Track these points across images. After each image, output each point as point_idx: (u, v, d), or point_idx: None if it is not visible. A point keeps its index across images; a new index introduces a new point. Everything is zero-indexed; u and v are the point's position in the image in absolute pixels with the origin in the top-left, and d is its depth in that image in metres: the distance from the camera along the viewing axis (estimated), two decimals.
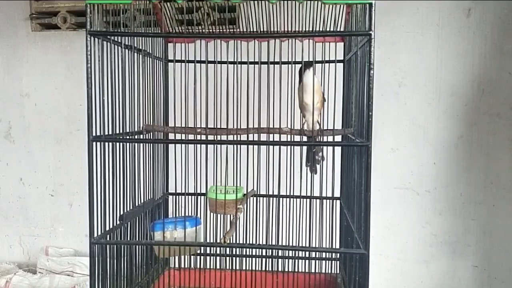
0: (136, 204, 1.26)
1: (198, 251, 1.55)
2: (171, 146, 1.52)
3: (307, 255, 1.53)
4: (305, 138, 1.28)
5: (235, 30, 1.87)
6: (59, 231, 2.25)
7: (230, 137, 1.19)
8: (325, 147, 1.38)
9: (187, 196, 1.38)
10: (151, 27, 1.38)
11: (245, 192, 1.36)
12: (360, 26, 1.10)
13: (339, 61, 1.40)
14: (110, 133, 1.14)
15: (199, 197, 1.27)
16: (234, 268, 1.54)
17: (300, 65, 1.28)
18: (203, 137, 1.16)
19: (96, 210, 1.11)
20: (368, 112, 1.03)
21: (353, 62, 1.28)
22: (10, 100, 2.22)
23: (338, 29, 1.40)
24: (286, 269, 1.54)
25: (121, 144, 1.17)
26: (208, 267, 1.57)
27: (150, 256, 1.43)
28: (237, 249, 1.55)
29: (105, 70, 1.11)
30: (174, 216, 1.48)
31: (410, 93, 1.97)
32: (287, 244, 1.32)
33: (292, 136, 1.24)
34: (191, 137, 1.20)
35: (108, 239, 1.16)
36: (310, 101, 1.24)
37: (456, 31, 1.93)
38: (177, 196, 1.53)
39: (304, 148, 1.36)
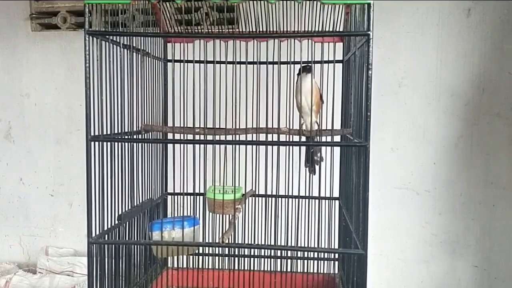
0: (135, 204, 1.26)
1: (196, 251, 1.55)
2: (169, 146, 1.52)
3: (305, 255, 1.53)
4: (304, 138, 1.28)
5: (234, 30, 1.87)
6: (59, 231, 2.25)
7: (229, 137, 1.19)
8: (324, 147, 1.38)
9: (185, 196, 1.38)
10: (150, 27, 1.38)
11: (244, 192, 1.36)
12: (359, 26, 1.10)
13: (338, 61, 1.40)
14: (109, 133, 1.14)
15: (197, 197, 1.27)
16: (232, 268, 1.54)
17: (299, 66, 1.28)
18: (202, 137, 1.16)
19: (94, 210, 1.11)
20: (366, 113, 1.03)
21: (352, 62, 1.27)
22: (10, 100, 2.22)
23: (337, 29, 1.40)
24: (285, 269, 1.54)
25: (119, 144, 1.17)
26: (206, 267, 1.57)
27: (149, 256, 1.43)
28: (236, 249, 1.55)
29: (103, 70, 1.11)
30: (172, 216, 1.48)
31: (410, 93, 1.97)
32: (285, 244, 1.32)
33: (291, 136, 1.24)
34: (189, 137, 1.20)
35: (106, 239, 1.16)
36: (307, 104, 1.24)
37: (456, 31, 1.92)
38: (176, 196, 1.52)
39: (303, 148, 1.35)
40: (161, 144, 1.51)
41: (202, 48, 1.13)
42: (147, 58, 1.35)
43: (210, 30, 1.84)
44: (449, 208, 1.98)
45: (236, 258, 1.54)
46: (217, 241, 1.36)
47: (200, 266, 1.57)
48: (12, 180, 2.26)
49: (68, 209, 2.23)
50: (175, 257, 1.55)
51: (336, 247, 1.48)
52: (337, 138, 1.33)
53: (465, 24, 1.92)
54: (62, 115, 2.20)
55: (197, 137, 1.18)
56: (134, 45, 1.23)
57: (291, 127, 1.24)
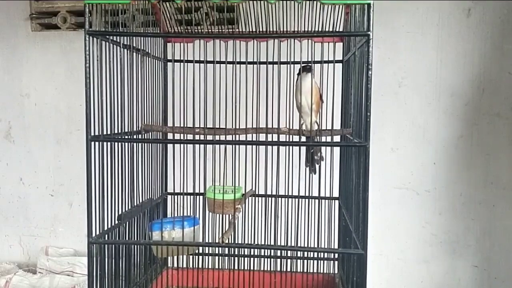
0: (135, 204, 1.26)
1: (196, 251, 1.55)
2: (169, 146, 1.52)
3: (305, 255, 1.53)
4: (303, 138, 1.28)
5: (234, 30, 1.87)
6: (59, 231, 2.25)
7: (229, 137, 1.19)
8: (323, 147, 1.38)
9: (185, 196, 1.38)
10: (150, 27, 1.38)
11: (244, 192, 1.36)
12: (358, 27, 1.10)
13: (338, 61, 1.41)
14: (109, 133, 1.14)
15: (197, 197, 1.27)
16: (232, 268, 1.54)
17: (299, 66, 1.28)
18: (202, 137, 1.16)
19: (94, 209, 1.11)
20: (366, 113, 1.03)
21: (352, 62, 1.27)
22: (10, 100, 2.22)
23: (337, 29, 1.40)
24: (284, 269, 1.54)
25: (119, 144, 1.17)
26: (206, 267, 1.57)
27: (149, 256, 1.43)
28: (235, 249, 1.55)
29: (104, 70, 1.11)
30: (172, 216, 1.48)
31: (410, 93, 1.97)
32: (285, 244, 1.32)
33: (291, 136, 1.24)
34: (189, 137, 1.20)
35: (106, 238, 1.16)
36: (307, 103, 1.24)
37: (456, 31, 1.93)
38: (176, 196, 1.53)
39: (303, 148, 1.36)
40: (161, 144, 1.51)
41: (202, 48, 1.13)
42: (147, 58, 1.35)
43: (210, 30, 1.84)
44: (449, 208, 1.98)
45: (236, 258, 1.54)
46: (217, 241, 1.36)
47: (200, 266, 1.57)
48: (12, 180, 2.26)
49: (68, 209, 2.24)
50: (175, 257, 1.55)
51: (336, 247, 1.48)
52: (337, 138, 1.33)
53: (465, 24, 1.92)
54: (62, 115, 2.20)
55: (197, 137, 1.18)
56: (134, 45, 1.23)
57: (291, 127, 1.24)
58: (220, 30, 1.68)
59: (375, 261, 2.01)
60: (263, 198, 1.46)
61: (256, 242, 1.47)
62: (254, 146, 1.17)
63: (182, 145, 1.17)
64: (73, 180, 2.21)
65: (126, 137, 1.21)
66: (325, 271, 1.55)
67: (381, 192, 1.99)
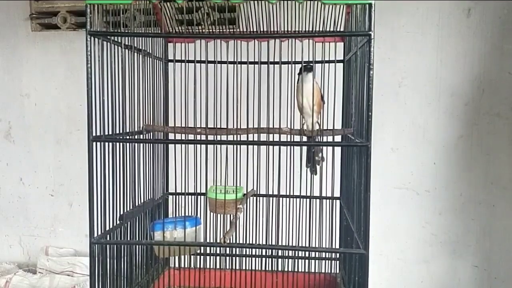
0: (136, 204, 1.26)
1: (198, 251, 1.55)
2: (171, 146, 1.52)
3: (306, 255, 1.54)
4: (305, 138, 1.28)
5: (235, 30, 1.88)
6: (59, 231, 2.25)
7: (230, 137, 1.19)
8: (325, 147, 1.38)
9: (187, 196, 1.38)
10: (151, 27, 1.38)
11: (245, 192, 1.36)
12: (360, 26, 1.10)
13: (339, 61, 1.41)
14: (110, 133, 1.14)
15: (199, 197, 1.27)
16: (234, 268, 1.54)
17: (300, 66, 1.28)
18: (203, 137, 1.16)
19: (96, 210, 1.11)
20: (367, 113, 1.03)
21: (353, 62, 1.28)
22: (10, 100, 2.22)
23: (338, 29, 1.40)
24: (286, 269, 1.54)
25: (121, 144, 1.17)
26: (208, 267, 1.57)
27: (150, 256, 1.43)
28: (237, 249, 1.55)
29: (105, 70, 1.11)
30: (174, 216, 1.48)
31: (410, 93, 1.97)
32: (287, 244, 1.32)
33: (292, 136, 1.24)
34: (191, 137, 1.20)
35: (108, 239, 1.16)
36: (309, 105, 1.24)
37: (456, 31, 1.93)
38: (177, 196, 1.53)
39: (304, 148, 1.36)
40: (162, 144, 1.51)
41: (203, 48, 1.13)
42: (148, 58, 1.35)
43: (211, 30, 1.84)
44: (449, 208, 1.98)
45: (238, 258, 1.54)
46: (218, 241, 1.36)
47: (202, 266, 1.57)
48: (12, 180, 2.26)
49: (68, 209, 2.23)
50: (177, 257, 1.55)
51: (337, 246, 1.48)
52: (338, 138, 1.33)
53: (465, 24, 1.92)
54: (62, 115, 2.20)
55: (198, 137, 1.18)
56: (135, 45, 1.23)
57: (292, 127, 1.24)
58: (221, 30, 1.68)
59: (375, 261, 2.01)
60: (265, 198, 1.46)
61: (257, 242, 1.47)
62: (255, 146, 1.17)
63: (183, 145, 1.17)
64: (73, 180, 2.21)
65: (128, 137, 1.21)
66: (326, 271, 1.55)
67: (381, 192, 1.99)
